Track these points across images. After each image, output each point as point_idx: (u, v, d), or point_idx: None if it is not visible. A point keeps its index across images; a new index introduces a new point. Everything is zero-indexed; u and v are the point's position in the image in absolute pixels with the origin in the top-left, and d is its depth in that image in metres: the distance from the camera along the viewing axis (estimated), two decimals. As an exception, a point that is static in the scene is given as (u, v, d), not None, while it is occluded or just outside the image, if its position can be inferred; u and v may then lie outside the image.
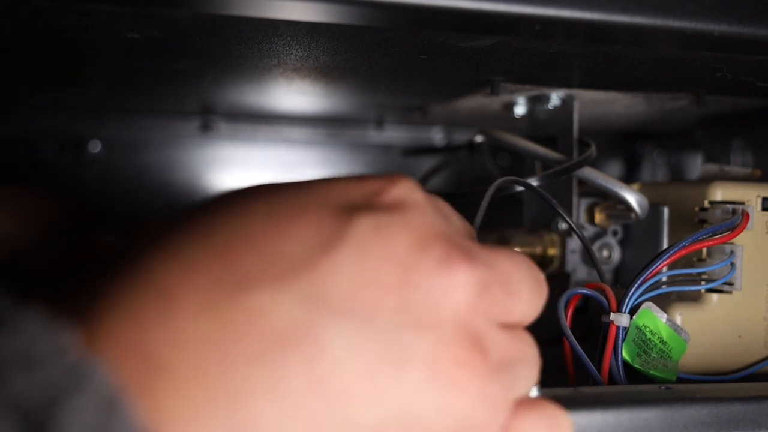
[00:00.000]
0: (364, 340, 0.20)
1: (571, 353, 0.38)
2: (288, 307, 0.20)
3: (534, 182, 0.46)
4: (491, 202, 0.41)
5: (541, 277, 0.25)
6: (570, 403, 0.30)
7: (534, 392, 0.30)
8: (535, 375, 0.24)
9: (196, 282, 0.20)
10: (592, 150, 0.48)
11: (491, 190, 0.39)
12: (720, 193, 0.42)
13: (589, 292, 0.39)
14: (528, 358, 0.24)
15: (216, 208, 0.23)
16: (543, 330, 0.40)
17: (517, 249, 0.53)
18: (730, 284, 0.41)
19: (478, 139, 0.56)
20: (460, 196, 0.42)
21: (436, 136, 0.79)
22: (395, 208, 0.23)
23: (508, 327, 0.24)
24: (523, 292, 0.24)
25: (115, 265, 0.21)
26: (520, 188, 0.45)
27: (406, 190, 0.23)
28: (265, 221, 0.22)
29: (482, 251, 0.23)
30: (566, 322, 0.38)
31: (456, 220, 0.26)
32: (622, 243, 0.52)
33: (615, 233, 0.51)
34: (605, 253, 0.51)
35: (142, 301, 0.20)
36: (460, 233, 0.25)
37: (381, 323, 0.21)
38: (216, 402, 0.19)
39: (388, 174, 0.24)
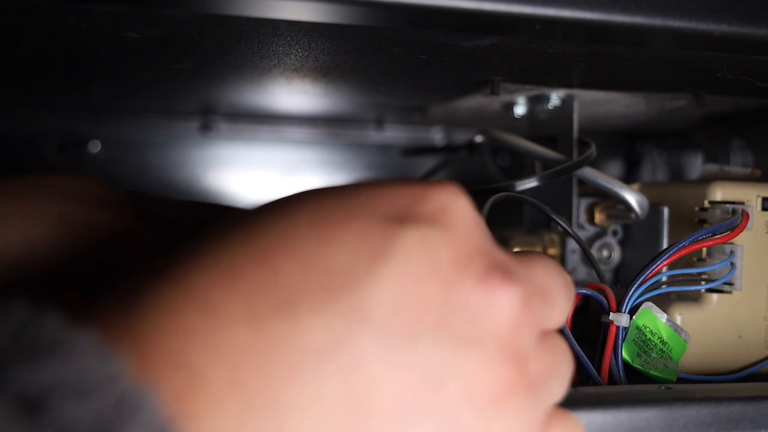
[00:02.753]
0: (403, 357, 0.20)
1: (572, 354, 0.38)
2: (329, 320, 0.20)
3: (534, 182, 0.46)
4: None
5: (569, 280, 0.25)
6: (570, 403, 0.30)
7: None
8: (567, 383, 0.24)
9: (238, 290, 0.20)
10: (592, 150, 0.48)
11: (487, 207, 0.39)
12: (720, 193, 0.42)
13: (589, 293, 0.39)
14: (562, 368, 0.24)
15: (260, 214, 0.22)
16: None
17: (516, 249, 0.53)
18: (730, 284, 0.41)
19: (478, 139, 0.56)
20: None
21: (436, 136, 0.79)
22: (438, 218, 0.22)
23: (545, 335, 0.24)
24: (558, 299, 0.24)
25: (156, 269, 0.21)
26: (520, 188, 0.45)
27: (448, 196, 0.23)
28: (310, 229, 0.21)
29: (518, 263, 0.23)
30: (566, 322, 0.38)
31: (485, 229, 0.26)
32: (622, 243, 0.52)
33: (615, 233, 0.51)
34: (605, 253, 0.51)
35: (184, 310, 0.20)
36: (495, 244, 0.25)
37: (423, 339, 0.21)
38: (253, 413, 0.19)
39: (431, 181, 0.24)
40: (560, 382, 0.24)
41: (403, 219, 0.22)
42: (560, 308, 0.24)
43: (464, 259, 0.22)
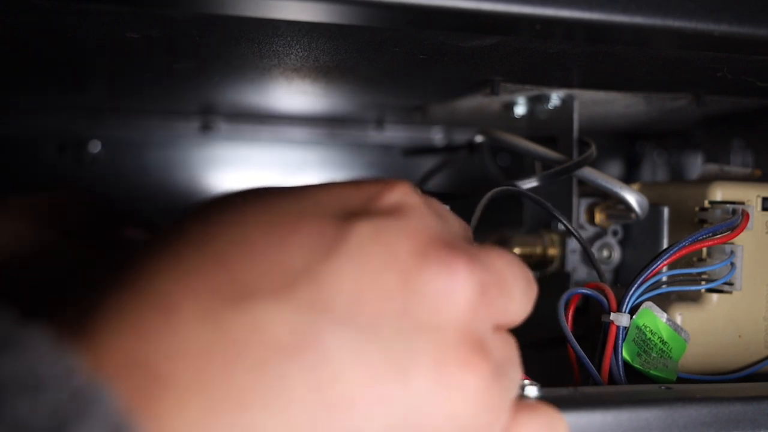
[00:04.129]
0: (367, 348, 0.20)
1: (575, 356, 0.38)
2: (289, 316, 0.20)
3: (534, 182, 0.46)
4: (491, 203, 0.41)
5: (531, 276, 0.25)
6: (570, 403, 0.30)
7: (534, 392, 0.30)
8: (519, 378, 0.24)
9: (196, 291, 0.20)
10: (592, 150, 0.48)
11: (485, 198, 0.39)
12: (720, 193, 0.42)
13: (589, 292, 0.39)
14: (516, 361, 0.24)
15: (213, 213, 0.22)
16: (544, 330, 0.40)
17: (517, 249, 0.53)
18: (730, 284, 0.41)
19: (478, 139, 0.56)
20: (460, 196, 0.42)
21: (436, 136, 0.79)
22: (393, 212, 0.22)
23: (498, 330, 0.24)
24: (516, 292, 0.24)
25: (114, 272, 0.21)
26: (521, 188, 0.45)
27: (402, 193, 0.23)
28: (265, 228, 0.22)
29: (478, 252, 0.23)
30: (566, 322, 0.38)
31: (452, 221, 0.26)
32: (622, 243, 0.52)
33: (615, 233, 0.51)
34: (605, 253, 0.51)
35: (142, 311, 0.19)
36: (456, 235, 0.25)
37: (384, 330, 0.21)
38: (217, 413, 0.19)
39: (385, 178, 0.24)
40: (517, 373, 0.24)
41: (357, 214, 0.22)
42: (518, 302, 0.24)
43: (423, 247, 0.22)
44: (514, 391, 0.24)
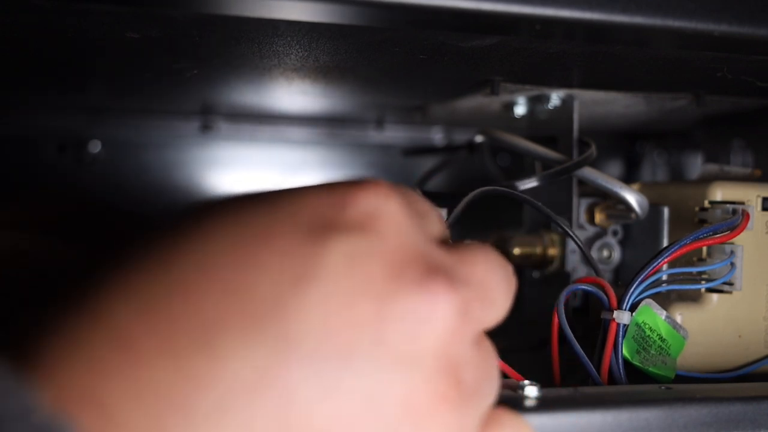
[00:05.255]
0: (337, 383, 0.19)
1: (558, 354, 0.38)
2: (255, 352, 0.19)
3: (534, 182, 0.46)
4: (491, 203, 0.41)
5: (510, 271, 0.24)
6: (570, 403, 0.30)
7: (535, 392, 0.30)
8: (497, 383, 0.24)
9: (156, 325, 0.19)
10: (592, 150, 0.48)
11: (468, 198, 0.39)
12: (720, 193, 0.42)
13: (589, 288, 0.39)
14: (492, 372, 0.23)
15: (177, 233, 0.21)
16: (543, 330, 0.40)
17: (517, 249, 0.53)
18: (730, 284, 0.41)
19: (478, 139, 0.56)
20: (459, 196, 0.42)
21: (436, 136, 0.79)
22: (366, 225, 0.21)
23: (478, 338, 0.23)
24: (498, 298, 0.23)
25: (74, 296, 0.20)
26: (520, 188, 0.45)
27: (376, 198, 0.22)
28: (230, 252, 0.20)
29: (458, 262, 0.22)
30: (565, 319, 0.38)
31: (432, 218, 0.24)
32: (622, 243, 0.52)
33: (615, 233, 0.51)
34: (605, 253, 0.51)
35: (102, 347, 0.18)
36: (435, 237, 0.23)
37: (355, 361, 0.20)
38: None
39: (357, 181, 0.22)
40: (492, 385, 0.23)
41: (328, 228, 0.21)
42: (499, 306, 0.23)
43: (398, 268, 0.20)
44: (489, 401, 0.23)
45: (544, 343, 0.40)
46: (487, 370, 0.23)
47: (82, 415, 0.17)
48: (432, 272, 0.21)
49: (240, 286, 0.19)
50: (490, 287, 0.23)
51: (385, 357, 0.20)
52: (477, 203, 0.41)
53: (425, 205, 0.24)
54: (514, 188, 0.45)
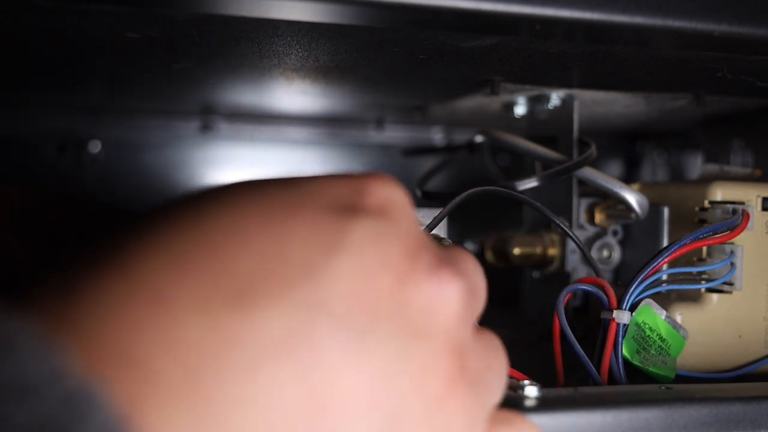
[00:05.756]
0: (359, 350, 0.20)
1: (560, 353, 0.38)
2: (286, 314, 0.19)
3: (534, 182, 0.46)
4: (491, 203, 0.41)
5: (482, 272, 0.25)
6: (570, 403, 0.30)
7: (534, 392, 0.30)
8: (504, 383, 0.24)
9: (191, 283, 0.19)
10: (592, 150, 0.48)
11: (459, 199, 0.39)
12: (720, 193, 0.42)
13: (588, 288, 0.39)
14: (498, 367, 0.24)
15: (208, 203, 0.21)
16: (544, 329, 0.40)
17: (517, 249, 0.53)
18: (730, 284, 0.41)
19: (478, 139, 0.56)
20: (459, 196, 0.42)
21: (436, 136, 0.79)
22: (385, 211, 0.22)
23: (477, 330, 0.24)
24: (482, 290, 0.24)
25: (100, 256, 0.20)
26: (520, 188, 0.45)
27: (389, 189, 0.23)
28: (262, 219, 0.21)
29: (454, 256, 0.23)
30: (564, 318, 0.38)
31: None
32: (622, 243, 0.52)
33: (615, 233, 0.51)
34: (605, 253, 0.51)
35: (135, 304, 0.18)
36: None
37: (377, 331, 0.20)
38: (208, 414, 0.18)
39: (367, 173, 0.23)
40: (498, 381, 0.24)
41: (352, 209, 0.22)
42: (482, 299, 0.24)
43: (413, 252, 0.22)
44: (494, 400, 0.24)
45: (543, 340, 0.40)
46: (489, 363, 0.23)
47: (114, 374, 0.17)
48: (440, 260, 0.22)
49: (274, 251, 0.20)
50: (477, 280, 0.24)
51: (402, 331, 0.21)
52: (477, 203, 0.41)
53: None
54: (513, 188, 0.45)
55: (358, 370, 0.20)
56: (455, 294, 0.22)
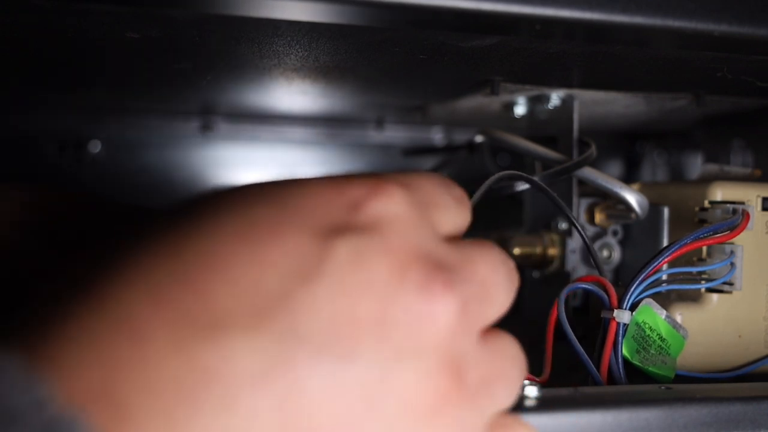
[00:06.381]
0: (340, 377, 0.20)
1: (552, 347, 0.38)
2: (262, 346, 0.19)
3: (534, 182, 0.46)
4: (491, 203, 0.40)
5: (512, 267, 0.24)
6: (570, 403, 0.30)
7: (534, 392, 0.30)
8: (515, 388, 0.24)
9: (166, 316, 0.19)
10: (592, 150, 0.48)
11: (491, 180, 0.39)
12: (720, 193, 0.42)
13: (589, 287, 0.39)
14: (508, 373, 0.23)
15: (186, 223, 0.21)
16: (543, 329, 0.40)
17: (517, 249, 0.53)
18: (730, 284, 0.41)
19: (478, 139, 0.56)
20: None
21: (436, 136, 0.79)
22: (375, 225, 0.21)
23: (486, 337, 0.23)
24: (499, 294, 0.23)
25: (81, 285, 0.20)
26: (520, 188, 0.45)
27: (387, 201, 0.22)
28: (240, 245, 0.20)
29: (460, 260, 0.22)
30: (565, 317, 0.38)
31: (450, 211, 0.24)
32: (622, 243, 0.52)
33: (615, 233, 0.52)
34: (605, 253, 0.51)
35: (110, 337, 0.19)
36: (442, 236, 0.23)
37: (360, 358, 0.20)
38: None
39: (375, 178, 0.23)
40: (506, 387, 0.23)
41: (336, 230, 0.21)
42: (500, 303, 0.23)
43: (401, 268, 0.21)
44: (498, 407, 0.23)
45: (543, 340, 0.40)
46: (496, 370, 0.23)
47: (93, 408, 0.18)
48: (434, 272, 0.21)
49: (249, 281, 0.20)
50: (491, 285, 0.23)
51: (387, 354, 0.20)
52: (477, 203, 0.41)
53: (444, 198, 0.24)
54: (514, 189, 0.45)
55: (339, 398, 0.20)
56: (447, 308, 0.21)
